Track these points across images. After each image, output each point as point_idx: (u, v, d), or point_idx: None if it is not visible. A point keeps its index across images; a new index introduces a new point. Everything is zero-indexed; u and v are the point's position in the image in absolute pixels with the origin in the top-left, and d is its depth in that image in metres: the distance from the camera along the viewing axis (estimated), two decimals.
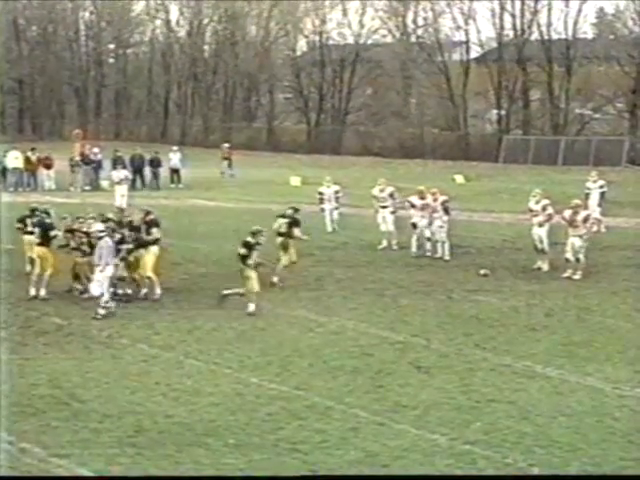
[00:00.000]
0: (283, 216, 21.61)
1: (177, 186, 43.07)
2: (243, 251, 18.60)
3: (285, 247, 21.24)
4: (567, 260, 22.13)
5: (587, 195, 29.21)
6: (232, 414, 13.01)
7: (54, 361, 15.38)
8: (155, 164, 43.06)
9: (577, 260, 21.98)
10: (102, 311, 18.09)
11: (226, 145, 50.19)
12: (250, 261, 18.56)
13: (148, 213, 20.55)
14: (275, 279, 21.05)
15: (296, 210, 21.88)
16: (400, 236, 26.16)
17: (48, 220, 20.74)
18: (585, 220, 22.09)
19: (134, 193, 38.20)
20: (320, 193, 28.96)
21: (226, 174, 47.89)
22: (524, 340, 16.94)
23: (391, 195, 26.67)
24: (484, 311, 19.06)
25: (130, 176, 37.99)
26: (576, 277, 21.90)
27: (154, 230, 20.14)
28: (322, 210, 28.76)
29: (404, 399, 13.67)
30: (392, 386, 14.28)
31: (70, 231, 20.38)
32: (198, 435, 12.25)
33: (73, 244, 20.18)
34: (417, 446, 11.95)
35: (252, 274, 18.54)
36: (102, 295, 18.19)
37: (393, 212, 26.36)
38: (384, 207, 26.38)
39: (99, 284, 18.23)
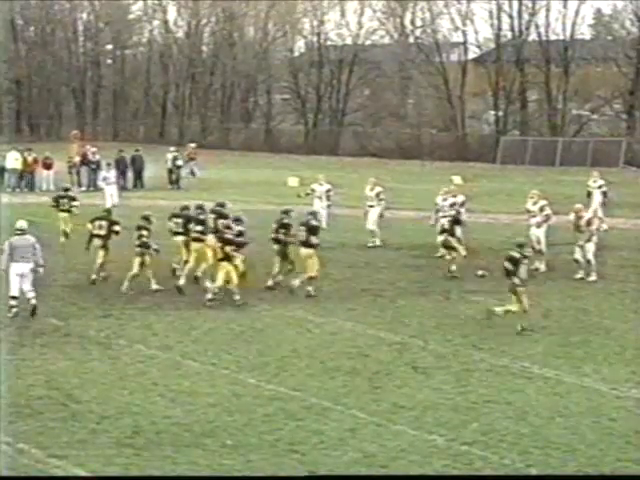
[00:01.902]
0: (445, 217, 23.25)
1: (175, 187, 43.02)
2: (508, 265, 17.41)
3: (447, 245, 22.34)
4: (576, 261, 22.17)
5: (589, 193, 30.00)
6: (229, 415, 13.01)
7: (51, 362, 15.37)
8: (177, 164, 43.26)
9: (588, 262, 22.00)
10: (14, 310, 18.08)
11: (192, 145, 48.86)
12: (516, 279, 17.32)
13: (287, 212, 21.36)
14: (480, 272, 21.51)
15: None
16: (394, 237, 26.27)
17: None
18: (588, 223, 22.12)
19: (131, 194, 38.22)
20: (312, 190, 29.28)
21: (196, 175, 46.48)
22: (521, 341, 16.95)
23: (377, 195, 26.92)
24: (481, 312, 19.04)
25: (115, 177, 37.50)
26: (591, 279, 21.92)
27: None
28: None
29: (402, 400, 13.68)
30: (390, 387, 14.29)
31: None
32: (196, 436, 12.25)
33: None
34: (415, 447, 11.96)
35: (521, 289, 17.33)
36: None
37: (374, 209, 26.67)
38: (371, 206, 26.67)
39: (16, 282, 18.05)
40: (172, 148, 46.08)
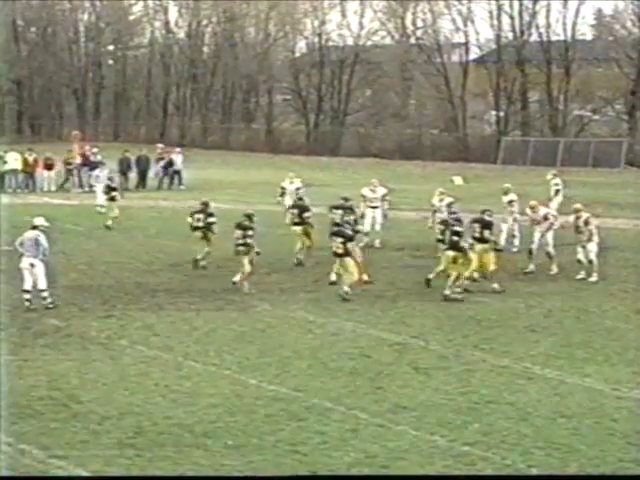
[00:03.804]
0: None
1: (179, 187, 42.87)
2: None
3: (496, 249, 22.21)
4: (579, 261, 22.18)
5: (557, 192, 30.43)
6: (231, 415, 13.01)
7: (53, 362, 15.37)
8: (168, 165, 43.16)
9: (590, 262, 22.04)
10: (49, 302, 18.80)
11: (160, 145, 46.87)
12: None
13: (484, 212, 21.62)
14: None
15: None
16: (396, 237, 26.25)
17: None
18: (586, 223, 22.15)
19: (132, 194, 38.17)
20: (282, 188, 29.51)
21: (160, 175, 44.13)
22: (523, 341, 16.95)
23: (383, 197, 26.93)
24: (483, 312, 19.07)
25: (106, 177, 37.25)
26: (592, 279, 21.94)
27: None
28: (279, 203, 29.24)
29: (403, 400, 13.67)
30: (391, 387, 14.29)
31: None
32: (197, 436, 12.25)
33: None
34: (416, 447, 11.96)
35: None
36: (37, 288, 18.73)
37: (385, 214, 26.66)
38: (374, 207, 26.65)
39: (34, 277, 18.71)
40: (177, 149, 45.98)
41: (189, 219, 23.35)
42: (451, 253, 20.27)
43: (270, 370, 15.07)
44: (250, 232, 20.74)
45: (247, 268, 20.57)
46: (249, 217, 21.25)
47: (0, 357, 15.55)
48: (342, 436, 12.29)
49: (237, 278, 20.70)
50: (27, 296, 18.74)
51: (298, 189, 29.15)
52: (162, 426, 12.59)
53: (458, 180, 46.19)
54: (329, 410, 13.24)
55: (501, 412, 13.25)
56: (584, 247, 22.00)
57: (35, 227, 19.13)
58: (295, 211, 23.97)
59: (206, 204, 23.50)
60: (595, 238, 22.14)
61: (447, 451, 11.85)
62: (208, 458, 11.58)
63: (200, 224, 22.94)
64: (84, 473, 11.21)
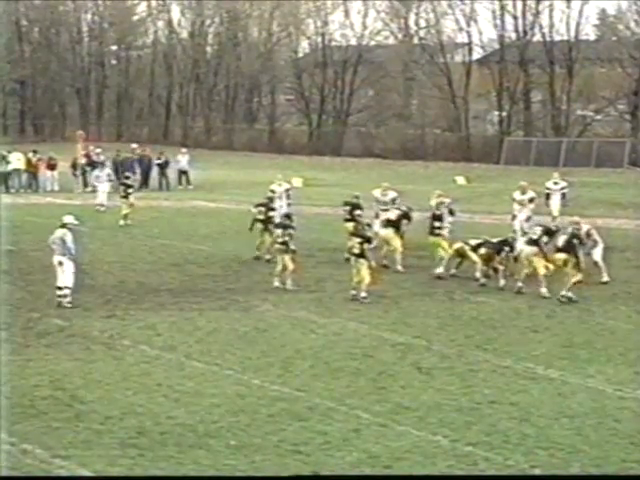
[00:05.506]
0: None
1: (186, 187, 42.87)
2: None
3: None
4: None
5: (547, 195, 30.19)
6: (234, 415, 13.01)
7: (55, 362, 15.37)
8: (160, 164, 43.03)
9: (595, 264, 22.08)
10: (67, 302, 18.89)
11: (134, 145, 46.36)
12: None
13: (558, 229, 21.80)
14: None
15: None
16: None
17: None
18: (588, 235, 22.19)
19: (136, 194, 38.11)
20: (271, 191, 29.61)
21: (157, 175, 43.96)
22: (525, 341, 16.95)
23: (393, 200, 26.83)
24: (485, 312, 19.07)
25: (112, 176, 37.20)
26: (604, 279, 21.96)
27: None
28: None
29: (405, 400, 13.67)
30: (393, 387, 14.29)
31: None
32: (200, 436, 12.26)
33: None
34: (418, 447, 11.96)
35: None
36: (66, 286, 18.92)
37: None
38: (385, 210, 26.51)
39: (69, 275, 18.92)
40: (183, 150, 45.99)
41: (253, 210, 24.41)
42: (562, 256, 20.17)
43: (273, 370, 15.08)
44: (291, 231, 21.16)
45: (290, 266, 20.84)
46: (288, 217, 21.90)
47: (2, 357, 15.56)
48: (344, 436, 12.29)
49: (287, 280, 20.87)
50: (59, 292, 18.93)
51: (288, 190, 29.21)
52: (164, 426, 12.60)
53: (461, 180, 46.22)
54: (331, 410, 13.24)
55: (504, 412, 13.25)
56: (589, 254, 22.06)
57: (64, 225, 19.23)
58: (347, 208, 24.64)
59: (270, 199, 24.86)
60: (600, 244, 22.23)
61: (450, 451, 11.85)
62: (210, 458, 11.59)
63: (261, 217, 24.06)
64: (87, 473, 11.21)
